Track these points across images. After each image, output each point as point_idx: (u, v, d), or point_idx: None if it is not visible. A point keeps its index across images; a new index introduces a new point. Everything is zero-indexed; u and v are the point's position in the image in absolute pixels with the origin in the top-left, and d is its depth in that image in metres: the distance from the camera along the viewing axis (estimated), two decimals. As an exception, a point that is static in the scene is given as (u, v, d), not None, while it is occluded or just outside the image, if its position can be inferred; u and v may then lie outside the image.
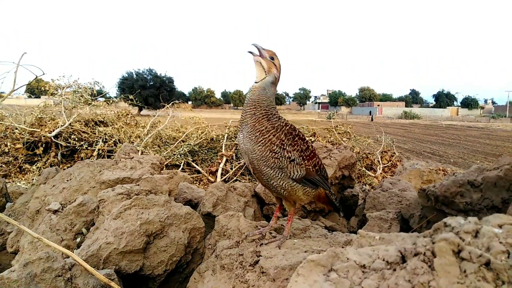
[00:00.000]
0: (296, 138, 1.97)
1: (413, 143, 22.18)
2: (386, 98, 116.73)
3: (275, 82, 2.02)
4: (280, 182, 1.95)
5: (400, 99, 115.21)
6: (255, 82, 2.00)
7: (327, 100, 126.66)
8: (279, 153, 1.88)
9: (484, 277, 0.88)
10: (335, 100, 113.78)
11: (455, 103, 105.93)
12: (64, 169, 3.30)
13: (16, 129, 5.98)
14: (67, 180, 3.01)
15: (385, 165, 7.45)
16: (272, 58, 2.01)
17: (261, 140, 1.88)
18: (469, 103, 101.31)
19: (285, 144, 1.91)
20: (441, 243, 0.95)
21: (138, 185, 2.56)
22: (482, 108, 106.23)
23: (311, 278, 1.12)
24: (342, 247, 1.60)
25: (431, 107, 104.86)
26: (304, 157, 1.98)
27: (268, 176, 1.95)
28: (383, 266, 1.07)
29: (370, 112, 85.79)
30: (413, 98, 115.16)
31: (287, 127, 1.97)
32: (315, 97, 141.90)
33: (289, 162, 1.91)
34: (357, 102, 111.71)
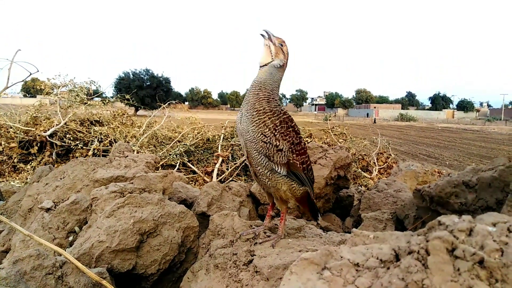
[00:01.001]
0: (290, 129, 1.95)
1: (409, 145, 22.27)
2: (382, 100, 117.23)
3: (282, 67, 2.03)
4: (265, 171, 1.94)
5: (396, 101, 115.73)
6: (260, 66, 2.02)
7: (323, 102, 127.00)
8: (268, 137, 1.86)
9: (477, 275, 0.88)
10: (332, 102, 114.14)
11: (451, 105, 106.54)
12: (57, 168, 3.27)
13: (11, 128, 5.94)
14: (61, 178, 2.98)
15: (381, 166, 7.47)
16: (281, 45, 2.03)
17: (256, 120, 1.88)
18: (465, 106, 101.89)
19: (277, 131, 1.88)
20: (435, 241, 0.94)
21: (132, 183, 2.54)
22: (478, 111, 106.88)
23: (304, 276, 1.11)
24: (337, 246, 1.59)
25: (427, 109, 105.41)
26: (294, 150, 1.95)
27: (256, 162, 1.93)
28: (376, 265, 1.06)
29: (368, 114, 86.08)
30: (409, 101, 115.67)
31: (285, 116, 1.95)
32: (312, 98, 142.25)
33: (276, 151, 1.88)
34: (354, 104, 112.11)
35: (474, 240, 0.95)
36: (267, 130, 1.86)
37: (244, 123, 1.92)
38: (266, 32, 2.04)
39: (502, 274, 0.86)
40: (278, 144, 1.87)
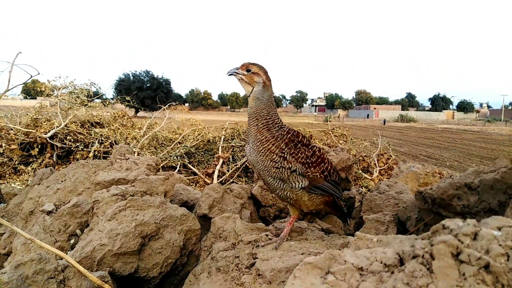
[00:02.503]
0: (299, 145, 1.96)
1: (409, 146, 22.27)
2: (382, 101, 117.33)
3: (265, 85, 2.01)
4: (285, 193, 1.98)
5: (396, 102, 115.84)
6: (248, 97, 2.03)
7: (323, 103, 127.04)
8: (279, 163, 1.88)
9: (483, 280, 0.87)
10: (332, 103, 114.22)
11: (450, 106, 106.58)
12: (59, 170, 3.27)
13: (11, 129, 5.93)
14: (62, 181, 2.97)
15: (382, 168, 7.46)
16: (249, 70, 2.01)
17: (261, 150, 1.90)
18: (464, 106, 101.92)
19: (286, 153, 1.90)
20: (439, 246, 0.94)
21: (134, 186, 2.53)
22: (478, 111, 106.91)
23: (308, 281, 1.10)
24: (339, 249, 1.59)
25: (427, 110, 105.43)
26: (310, 164, 1.97)
27: (274, 187, 1.97)
28: (381, 269, 1.06)
29: (368, 115, 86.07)
30: (409, 102, 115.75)
31: (289, 135, 1.96)
32: (312, 99, 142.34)
33: (290, 173, 1.91)
34: (354, 105, 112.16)
35: (479, 245, 0.95)
36: (275, 156, 1.89)
37: (253, 155, 1.97)
38: (232, 71, 2.04)
39: (508, 279, 0.86)
40: (290, 166, 1.90)
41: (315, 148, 2.04)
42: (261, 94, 1.99)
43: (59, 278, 1.74)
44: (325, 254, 1.16)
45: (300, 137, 2.01)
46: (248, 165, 5.99)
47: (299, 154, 1.94)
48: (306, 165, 1.95)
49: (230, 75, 2.04)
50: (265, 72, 2.04)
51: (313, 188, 2.00)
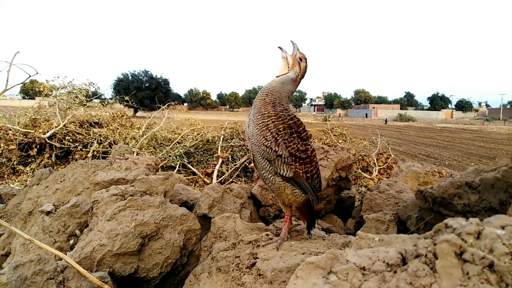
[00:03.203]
0: (295, 135, 1.89)
1: (408, 146, 22.28)
2: (381, 100, 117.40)
3: (295, 80, 2.02)
4: (268, 175, 1.92)
5: (395, 101, 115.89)
6: (276, 76, 2.02)
7: (322, 102, 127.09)
8: (269, 141, 1.83)
9: (487, 279, 0.86)
10: (331, 102, 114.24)
11: (449, 105, 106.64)
12: (57, 170, 3.25)
13: (10, 130, 5.91)
14: (61, 181, 2.96)
15: (381, 167, 7.46)
16: (300, 59, 2.02)
17: (260, 123, 1.87)
18: (463, 106, 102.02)
19: (279, 136, 1.84)
20: (443, 245, 0.93)
21: (133, 186, 2.52)
22: (476, 110, 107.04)
23: (310, 281, 1.09)
24: (341, 249, 1.58)
25: (426, 109, 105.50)
26: (297, 158, 1.89)
27: (261, 166, 1.93)
28: (383, 268, 1.05)
29: (366, 114, 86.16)
30: (408, 101, 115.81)
31: (291, 121, 1.90)
32: (311, 99, 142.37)
33: (275, 156, 1.84)
34: (353, 104, 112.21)
35: (483, 244, 0.94)
36: (269, 134, 1.84)
37: (251, 127, 1.93)
38: (293, 44, 2.06)
39: (512, 278, 0.85)
40: (277, 150, 1.84)
41: (309, 146, 1.97)
42: (288, 81, 2.01)
43: (59, 279, 1.73)
44: (327, 254, 1.15)
45: (300, 128, 1.94)
46: (247, 164, 5.98)
47: (291, 144, 1.87)
48: (293, 157, 1.88)
49: (279, 47, 2.05)
50: (305, 71, 2.05)
51: (292, 181, 1.93)
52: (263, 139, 1.85)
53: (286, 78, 2.00)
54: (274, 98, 1.93)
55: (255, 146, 1.89)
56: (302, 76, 2.06)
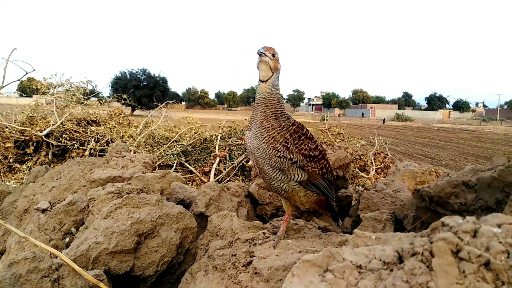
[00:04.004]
0: (303, 138, 1.95)
1: (405, 145, 22.33)
2: (379, 100, 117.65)
3: (278, 76, 2.03)
4: (281, 184, 1.95)
5: (393, 101, 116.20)
6: (261, 81, 1.99)
7: (320, 102, 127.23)
8: (281, 152, 1.86)
9: (483, 277, 0.86)
10: (329, 102, 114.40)
11: (447, 106, 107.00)
12: (54, 168, 3.23)
13: (6, 127, 5.88)
14: (57, 179, 2.94)
15: (378, 166, 7.46)
16: (274, 55, 2.01)
17: (265, 137, 1.88)
18: (460, 106, 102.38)
19: (289, 144, 1.88)
20: (439, 243, 0.92)
21: (130, 183, 2.51)
22: (474, 111, 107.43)
23: (306, 279, 1.09)
24: (337, 247, 1.58)
25: (423, 109, 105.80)
26: (311, 158, 1.96)
27: (270, 177, 1.94)
28: (379, 267, 1.05)
29: (363, 114, 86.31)
30: (406, 101, 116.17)
31: (294, 126, 1.95)
32: (309, 98, 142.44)
33: (290, 164, 1.89)
34: (351, 104, 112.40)
35: (479, 242, 0.94)
36: (278, 145, 1.87)
37: (254, 142, 1.93)
38: (262, 53, 2.00)
39: (508, 276, 0.85)
40: (292, 157, 1.88)
41: (317, 142, 2.04)
42: (277, 82, 2.00)
43: (53, 276, 1.72)
44: (323, 252, 1.15)
45: (305, 129, 2.01)
46: (244, 163, 5.97)
47: (302, 146, 1.92)
48: (308, 158, 1.94)
49: (260, 53, 1.98)
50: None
51: (309, 184, 1.99)
52: (274, 151, 1.87)
53: (275, 80, 1.99)
54: (275, 109, 1.94)
55: (264, 159, 1.91)
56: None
